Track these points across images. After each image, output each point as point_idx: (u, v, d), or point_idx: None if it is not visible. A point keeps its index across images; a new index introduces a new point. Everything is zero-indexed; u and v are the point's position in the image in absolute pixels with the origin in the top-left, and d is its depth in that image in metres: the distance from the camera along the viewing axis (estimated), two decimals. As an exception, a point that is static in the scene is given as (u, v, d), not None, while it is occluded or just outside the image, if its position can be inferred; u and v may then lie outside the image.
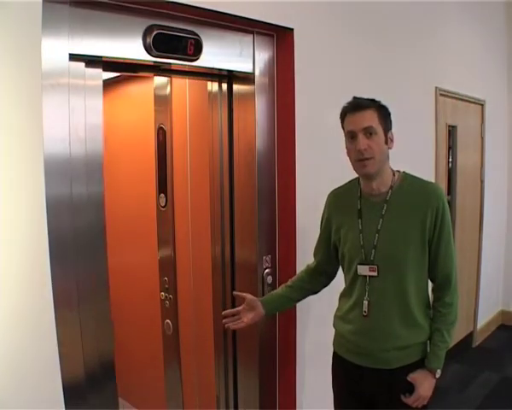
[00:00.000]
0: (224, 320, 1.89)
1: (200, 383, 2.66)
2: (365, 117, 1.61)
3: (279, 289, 1.97)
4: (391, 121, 1.70)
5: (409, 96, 3.05)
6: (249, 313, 1.85)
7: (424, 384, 1.67)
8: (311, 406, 2.38)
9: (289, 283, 1.96)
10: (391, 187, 1.70)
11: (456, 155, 3.81)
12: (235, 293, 2.01)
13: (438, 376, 1.70)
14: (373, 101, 1.66)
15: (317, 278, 1.93)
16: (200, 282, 2.56)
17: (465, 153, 3.91)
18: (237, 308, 1.88)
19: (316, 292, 1.96)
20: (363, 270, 1.70)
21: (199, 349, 2.64)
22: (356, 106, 1.64)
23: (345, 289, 1.83)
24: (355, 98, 1.67)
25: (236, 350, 2.36)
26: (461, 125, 3.80)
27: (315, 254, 1.94)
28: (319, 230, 1.92)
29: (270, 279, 2.24)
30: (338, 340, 1.85)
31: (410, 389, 1.68)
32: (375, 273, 1.68)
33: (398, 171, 1.75)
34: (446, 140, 3.61)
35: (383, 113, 1.66)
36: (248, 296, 1.88)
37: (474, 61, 3.87)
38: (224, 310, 2.34)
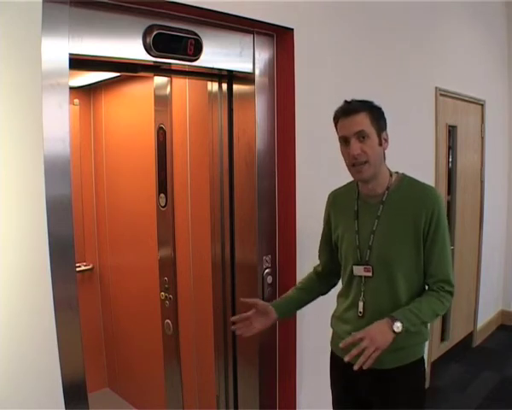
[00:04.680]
0: (233, 327, 1.83)
1: (200, 383, 2.66)
2: (357, 121, 1.60)
3: (290, 292, 1.94)
4: (385, 121, 1.68)
5: (409, 96, 3.05)
6: (261, 318, 1.80)
7: (374, 326, 1.53)
8: (310, 406, 2.38)
9: (299, 285, 1.95)
10: (387, 188, 1.70)
11: (456, 155, 3.81)
12: (243, 299, 1.90)
13: (396, 329, 1.51)
14: (364, 103, 1.64)
15: (326, 278, 1.93)
16: (200, 282, 2.57)
17: (465, 153, 3.91)
18: (247, 314, 1.82)
19: (324, 293, 1.95)
20: (359, 270, 1.70)
21: (199, 349, 2.64)
22: (347, 110, 1.63)
23: (342, 290, 1.83)
24: (346, 102, 1.66)
25: (236, 350, 2.36)
26: (461, 125, 3.80)
27: (319, 256, 1.95)
28: (321, 230, 1.92)
29: (270, 279, 2.24)
30: (335, 340, 1.84)
31: (406, 389, 1.68)
32: (369, 274, 1.68)
33: (397, 172, 1.75)
34: (446, 140, 3.61)
35: (375, 114, 1.64)
36: (260, 302, 1.85)
37: (474, 61, 3.87)
38: (223, 309, 2.36)
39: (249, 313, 1.82)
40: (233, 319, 1.86)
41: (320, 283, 1.94)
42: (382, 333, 1.52)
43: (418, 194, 1.69)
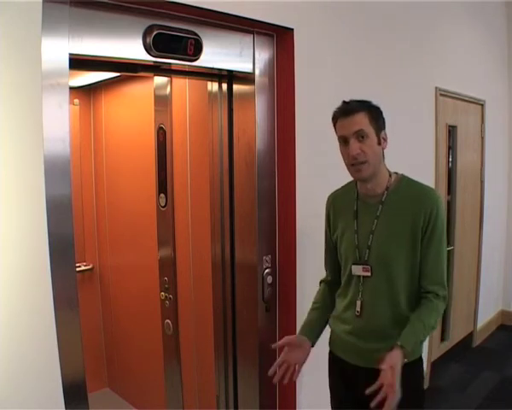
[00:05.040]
0: (275, 380, 1.71)
1: (200, 383, 2.66)
2: (355, 121, 1.60)
3: (310, 316, 1.89)
4: (383, 121, 1.68)
5: (409, 96, 3.05)
6: (297, 352, 1.75)
7: (397, 370, 1.50)
8: (310, 406, 2.38)
9: (315, 305, 1.91)
10: (386, 188, 1.70)
11: (456, 155, 3.81)
12: (274, 345, 1.80)
13: (404, 360, 1.54)
14: (363, 103, 1.65)
15: (337, 285, 1.89)
16: (200, 282, 2.57)
17: (465, 153, 3.91)
18: (281, 359, 1.73)
19: None
20: (357, 270, 1.70)
21: (199, 349, 2.64)
22: (346, 110, 1.63)
23: (341, 290, 1.82)
24: (344, 102, 1.66)
25: (236, 350, 2.36)
26: (461, 125, 3.80)
27: (326, 263, 1.93)
28: (321, 233, 1.91)
29: (270, 279, 2.24)
30: (333, 339, 1.85)
31: (405, 389, 1.68)
32: (368, 273, 1.68)
33: (396, 173, 1.75)
34: (446, 140, 3.61)
35: (374, 114, 1.64)
36: (291, 338, 1.80)
37: (474, 61, 3.87)
38: (223, 309, 2.36)
39: (283, 357, 1.74)
40: (270, 372, 1.72)
41: (333, 292, 1.89)
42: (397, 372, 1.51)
43: (417, 194, 1.68)
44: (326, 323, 1.89)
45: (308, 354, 1.79)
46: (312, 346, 1.81)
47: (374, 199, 1.71)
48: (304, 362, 1.78)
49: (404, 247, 1.64)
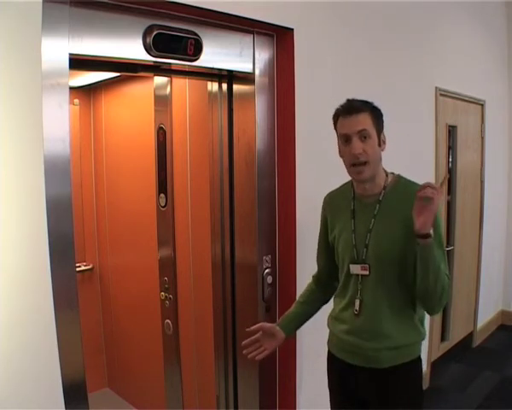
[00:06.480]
0: (245, 351, 1.83)
1: (200, 383, 2.66)
2: (359, 120, 1.60)
3: (293, 308, 1.94)
4: (383, 123, 1.69)
5: (409, 96, 3.05)
6: (270, 339, 1.82)
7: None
8: (310, 406, 2.38)
9: (301, 299, 1.95)
10: (384, 187, 1.70)
11: (456, 155, 3.81)
12: (248, 329, 1.87)
13: (430, 232, 1.51)
14: (366, 103, 1.65)
15: (326, 284, 1.91)
16: (200, 282, 2.57)
17: (465, 153, 3.91)
18: (256, 336, 1.83)
19: (328, 300, 1.93)
20: (355, 269, 1.70)
21: (199, 349, 2.64)
22: (349, 109, 1.63)
23: (339, 289, 1.82)
24: (348, 100, 1.66)
25: (236, 350, 2.36)
26: (461, 125, 3.81)
27: (318, 261, 1.94)
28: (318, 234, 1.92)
29: (270, 279, 2.24)
30: (332, 339, 1.85)
31: (404, 389, 1.68)
32: (366, 272, 1.68)
33: (393, 173, 1.75)
34: (446, 140, 3.61)
35: (376, 115, 1.64)
36: (265, 325, 1.85)
37: (474, 61, 3.87)
38: (223, 309, 2.36)
39: (258, 336, 1.82)
40: (244, 343, 1.84)
41: (320, 291, 1.92)
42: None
43: (413, 194, 1.68)
44: (308, 318, 1.93)
45: (278, 345, 1.86)
46: (287, 337, 1.86)
47: (371, 198, 1.71)
48: (273, 349, 1.85)
49: (401, 245, 1.64)
